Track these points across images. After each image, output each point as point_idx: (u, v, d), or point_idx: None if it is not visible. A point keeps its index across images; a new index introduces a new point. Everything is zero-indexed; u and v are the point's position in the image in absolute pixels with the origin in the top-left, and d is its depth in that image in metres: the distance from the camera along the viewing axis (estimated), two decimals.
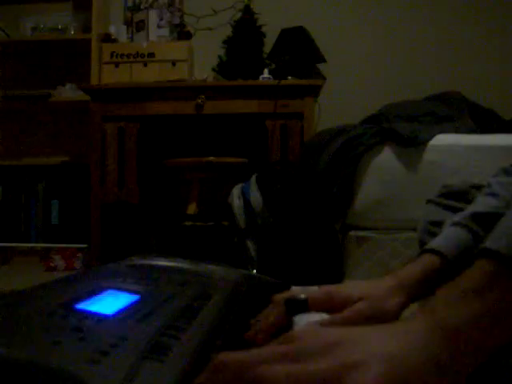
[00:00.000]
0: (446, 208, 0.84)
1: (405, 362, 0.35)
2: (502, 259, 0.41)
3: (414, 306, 0.61)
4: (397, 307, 0.58)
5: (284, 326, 0.57)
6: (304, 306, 0.57)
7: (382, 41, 3.08)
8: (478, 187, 0.78)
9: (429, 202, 0.91)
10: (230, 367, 0.34)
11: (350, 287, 0.60)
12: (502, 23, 3.02)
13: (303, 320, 0.59)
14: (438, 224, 0.82)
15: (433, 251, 0.64)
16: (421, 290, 0.61)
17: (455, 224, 0.69)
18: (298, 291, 0.63)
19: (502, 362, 0.48)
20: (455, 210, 0.79)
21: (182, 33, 2.99)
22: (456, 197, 0.84)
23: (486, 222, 0.66)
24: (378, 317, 0.57)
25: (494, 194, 0.69)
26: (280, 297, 0.61)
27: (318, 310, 0.58)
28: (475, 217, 0.68)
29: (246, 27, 2.89)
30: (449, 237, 0.67)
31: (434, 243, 0.66)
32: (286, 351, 0.35)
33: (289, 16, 3.03)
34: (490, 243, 0.43)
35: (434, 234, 0.83)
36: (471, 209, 0.70)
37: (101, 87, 2.79)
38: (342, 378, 0.32)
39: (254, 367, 0.33)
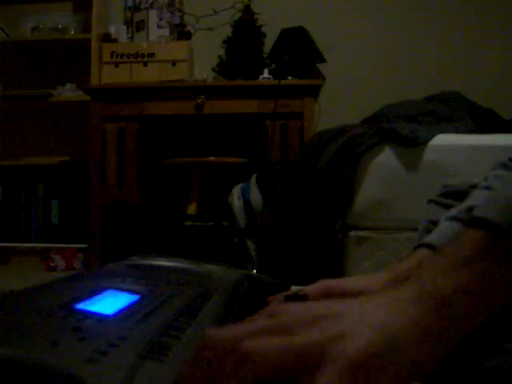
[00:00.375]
0: (447, 208, 0.84)
1: (392, 329, 0.34)
2: (491, 228, 0.40)
3: None
4: None
5: None
6: (303, 300, 0.57)
7: (382, 41, 3.08)
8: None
9: (429, 201, 0.91)
10: (216, 344, 0.34)
11: (348, 281, 0.60)
12: (502, 23, 3.02)
13: None
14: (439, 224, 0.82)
15: (428, 245, 0.64)
16: None
17: (450, 219, 0.69)
18: (298, 289, 0.63)
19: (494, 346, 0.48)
20: None
21: (182, 33, 2.99)
22: (457, 196, 0.83)
23: None
24: None
25: (490, 188, 0.69)
26: (279, 296, 0.61)
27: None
28: (470, 210, 0.68)
29: (246, 27, 2.89)
30: (443, 231, 0.67)
31: (429, 238, 0.66)
32: (272, 324, 0.35)
33: (289, 16, 3.03)
34: (479, 211, 0.42)
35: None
36: (466, 203, 0.70)
37: (101, 87, 2.80)
38: (329, 348, 0.32)
39: (240, 342, 0.33)
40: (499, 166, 0.71)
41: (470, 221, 0.43)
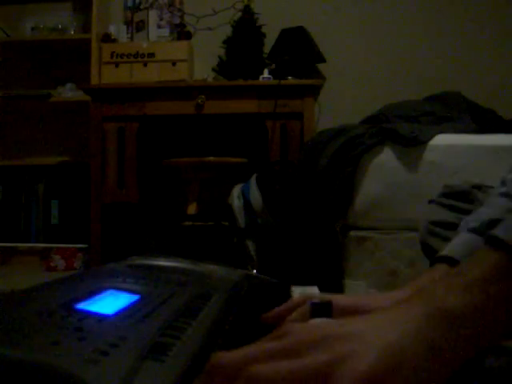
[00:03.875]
0: (448, 208, 0.84)
1: (401, 348, 0.34)
2: (509, 250, 0.40)
3: None
4: None
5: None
6: (328, 311, 0.57)
7: (382, 41, 3.08)
8: (480, 187, 0.78)
9: (431, 202, 0.91)
10: (223, 368, 0.34)
11: (374, 300, 0.59)
12: (502, 23, 3.02)
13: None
14: (440, 224, 0.81)
15: (449, 259, 0.63)
16: None
17: (472, 231, 0.68)
18: (322, 295, 0.62)
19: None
20: (457, 210, 0.79)
21: (181, 33, 2.99)
22: (458, 197, 0.83)
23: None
24: None
25: (509, 195, 0.68)
26: (302, 301, 0.60)
27: (341, 315, 0.58)
28: (492, 224, 0.67)
29: (246, 27, 2.89)
30: (466, 245, 0.66)
31: (451, 251, 0.65)
32: (278, 347, 0.35)
33: (289, 16, 3.02)
34: (499, 231, 0.42)
35: (435, 234, 0.82)
36: (487, 213, 0.69)
37: (101, 87, 2.79)
38: (338, 368, 0.32)
39: (248, 367, 0.33)
40: None
41: (489, 239, 0.42)
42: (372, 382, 0.32)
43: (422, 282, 0.62)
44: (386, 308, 0.57)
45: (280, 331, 0.37)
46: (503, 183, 0.71)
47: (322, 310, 0.57)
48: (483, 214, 0.69)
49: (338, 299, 0.58)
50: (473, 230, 0.68)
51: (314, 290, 0.77)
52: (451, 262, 0.63)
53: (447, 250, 0.65)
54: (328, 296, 0.59)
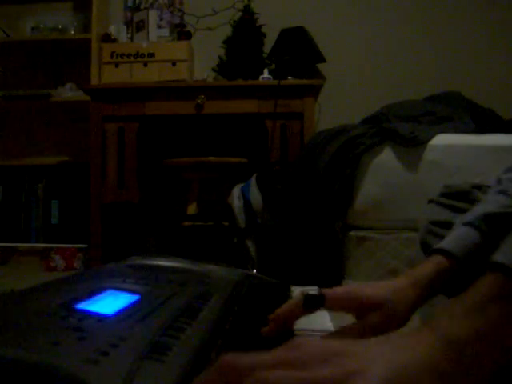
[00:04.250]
0: (448, 208, 0.84)
1: (408, 371, 0.35)
2: (508, 273, 0.40)
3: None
4: (408, 310, 0.59)
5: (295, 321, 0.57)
6: (320, 302, 0.58)
7: (382, 41, 3.08)
8: (480, 187, 0.78)
9: (430, 201, 0.91)
10: (233, 369, 0.34)
11: (366, 289, 0.60)
12: (502, 23, 3.02)
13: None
14: (440, 224, 0.81)
15: (444, 252, 0.64)
16: (432, 290, 0.61)
17: (467, 224, 0.68)
18: (314, 288, 0.63)
19: None
20: (457, 210, 0.79)
21: (181, 33, 2.99)
22: (458, 197, 0.83)
23: (498, 222, 0.66)
24: (390, 324, 0.57)
25: (504, 192, 0.69)
26: (298, 294, 0.61)
27: (335, 307, 0.59)
28: (487, 217, 0.67)
29: (246, 27, 2.88)
30: (460, 237, 0.66)
31: (446, 243, 0.65)
32: (289, 357, 0.36)
33: (289, 16, 3.03)
34: (498, 256, 0.42)
35: (435, 234, 0.82)
36: (482, 208, 0.69)
37: (101, 87, 2.80)
38: (346, 383, 0.33)
39: (257, 371, 0.33)
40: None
41: (489, 265, 0.42)
42: None
43: (416, 272, 0.62)
44: (397, 300, 0.57)
45: (292, 343, 0.38)
46: (499, 182, 0.72)
47: (314, 301, 0.57)
48: (478, 209, 0.70)
49: (330, 291, 0.58)
50: (467, 223, 0.68)
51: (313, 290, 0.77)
52: (446, 254, 0.64)
53: (442, 242, 0.66)
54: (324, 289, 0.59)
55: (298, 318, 0.58)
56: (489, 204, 0.70)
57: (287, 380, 0.33)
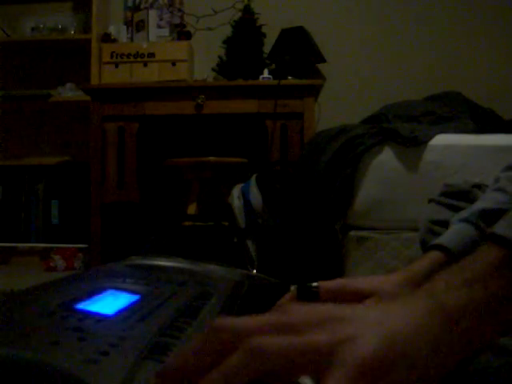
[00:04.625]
0: (448, 207, 0.84)
1: (402, 337, 0.34)
2: (509, 246, 0.40)
3: None
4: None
5: None
6: (315, 294, 0.57)
7: (382, 41, 3.08)
8: (480, 187, 0.78)
9: (431, 201, 0.91)
10: (225, 333, 0.34)
11: (362, 281, 0.59)
12: (502, 23, 3.02)
13: None
14: (440, 223, 0.81)
15: (440, 247, 0.64)
16: (427, 281, 0.61)
17: (463, 220, 0.68)
18: (312, 283, 0.62)
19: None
20: (457, 210, 0.79)
21: (181, 33, 2.99)
22: (458, 196, 0.83)
23: (494, 218, 0.66)
24: None
25: (502, 190, 0.69)
26: (291, 291, 0.61)
27: (329, 299, 0.58)
28: (483, 213, 0.67)
29: (246, 27, 2.89)
30: (457, 233, 0.67)
31: (442, 239, 0.65)
32: (282, 322, 0.35)
33: (289, 16, 3.03)
34: (498, 229, 0.42)
35: (435, 233, 0.82)
36: (479, 204, 0.70)
37: (101, 87, 2.80)
38: (338, 349, 0.32)
39: (249, 336, 0.33)
40: (510, 168, 0.71)
41: (488, 236, 0.42)
42: (372, 368, 0.32)
43: (413, 268, 0.62)
44: (391, 293, 0.57)
45: (282, 308, 0.37)
46: (497, 180, 0.72)
47: (308, 293, 0.57)
48: (475, 206, 0.70)
49: (324, 283, 0.58)
50: (463, 220, 0.68)
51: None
52: (442, 249, 0.64)
53: (439, 239, 0.66)
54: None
55: None
56: (485, 201, 0.70)
57: (278, 346, 0.32)
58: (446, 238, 0.66)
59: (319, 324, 0.35)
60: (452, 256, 0.63)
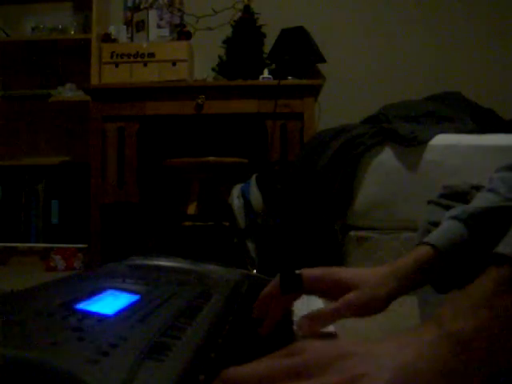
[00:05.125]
0: (447, 208, 0.84)
1: (413, 372, 0.34)
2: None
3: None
4: (387, 295, 0.58)
5: (282, 309, 0.56)
6: (298, 282, 0.57)
7: (382, 41, 3.08)
8: (479, 188, 0.78)
9: (429, 202, 0.91)
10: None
11: (345, 272, 0.59)
12: (502, 23, 3.02)
13: (303, 309, 0.59)
14: (438, 224, 0.81)
15: (426, 244, 0.64)
16: (413, 278, 0.60)
17: (451, 218, 0.68)
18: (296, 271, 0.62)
19: None
20: None
21: (181, 33, 2.99)
22: (457, 197, 0.83)
23: (484, 216, 0.66)
24: (367, 306, 0.56)
25: (494, 190, 0.69)
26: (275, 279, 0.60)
27: (312, 288, 0.57)
28: (472, 211, 0.67)
29: (246, 27, 2.89)
30: (443, 230, 0.66)
31: (429, 237, 0.66)
32: (291, 365, 0.35)
33: (289, 16, 3.03)
34: (502, 248, 0.41)
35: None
36: (470, 204, 0.70)
37: (101, 87, 2.80)
38: None
39: None
40: (505, 168, 0.71)
41: (493, 256, 0.42)
42: None
43: (398, 262, 0.62)
44: (375, 283, 0.57)
45: (293, 348, 0.37)
46: (490, 181, 0.72)
47: (291, 281, 0.57)
48: (466, 206, 0.70)
49: (308, 271, 0.58)
50: (453, 217, 0.68)
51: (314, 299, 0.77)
52: (430, 246, 0.64)
53: (428, 237, 0.66)
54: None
55: (281, 303, 0.56)
56: (476, 200, 0.70)
57: None
58: (433, 235, 0.66)
59: (331, 363, 0.35)
60: (437, 251, 0.63)
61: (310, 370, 0.34)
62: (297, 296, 0.58)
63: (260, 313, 0.56)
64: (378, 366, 0.34)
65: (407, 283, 0.59)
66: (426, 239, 0.65)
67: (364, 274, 0.58)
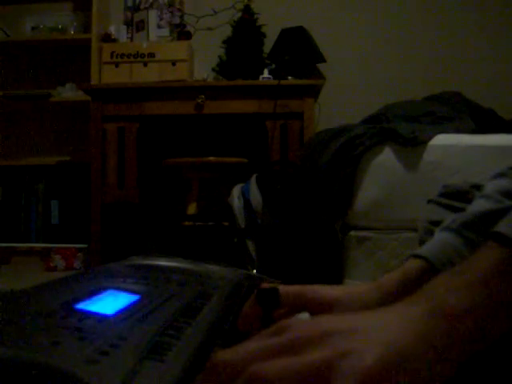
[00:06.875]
0: (447, 208, 0.84)
1: (402, 347, 0.34)
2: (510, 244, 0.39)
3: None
4: (371, 303, 0.56)
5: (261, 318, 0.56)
6: (275, 299, 0.56)
7: (382, 41, 3.08)
8: (479, 187, 0.77)
9: (429, 201, 0.91)
10: (224, 367, 0.34)
11: (323, 289, 0.58)
12: (502, 23, 3.02)
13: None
14: (439, 224, 0.81)
15: (418, 256, 0.63)
16: (399, 291, 0.59)
17: (444, 229, 0.68)
18: (277, 284, 0.61)
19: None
20: (456, 210, 0.79)
21: (181, 33, 2.99)
22: (457, 197, 0.83)
23: (477, 222, 0.66)
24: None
25: (486, 197, 0.69)
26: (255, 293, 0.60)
27: (290, 303, 0.57)
28: (464, 219, 0.67)
29: (246, 27, 2.89)
30: (435, 242, 0.66)
31: (421, 249, 0.65)
32: (278, 343, 0.35)
33: (289, 16, 3.03)
34: (502, 228, 0.41)
35: (434, 234, 0.82)
36: (462, 213, 0.69)
37: (101, 87, 2.80)
38: (339, 364, 0.32)
39: (248, 365, 0.33)
40: (496, 175, 0.70)
41: (491, 235, 0.41)
42: (375, 378, 0.31)
43: (387, 275, 0.61)
44: (356, 300, 0.56)
45: (279, 326, 0.37)
46: (484, 189, 0.72)
47: (267, 296, 0.56)
48: (457, 215, 0.69)
49: (285, 286, 0.57)
50: (444, 228, 0.68)
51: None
52: (422, 258, 0.63)
53: (419, 249, 0.65)
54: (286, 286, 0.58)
55: (261, 316, 0.55)
56: (468, 208, 0.70)
57: (281, 370, 0.32)
58: (424, 247, 0.65)
59: (317, 339, 0.34)
60: (428, 263, 0.62)
61: (297, 347, 0.34)
62: (275, 311, 0.57)
63: (244, 327, 0.56)
64: (367, 341, 0.34)
65: (390, 297, 0.58)
66: (417, 252, 0.64)
67: (340, 291, 0.57)
